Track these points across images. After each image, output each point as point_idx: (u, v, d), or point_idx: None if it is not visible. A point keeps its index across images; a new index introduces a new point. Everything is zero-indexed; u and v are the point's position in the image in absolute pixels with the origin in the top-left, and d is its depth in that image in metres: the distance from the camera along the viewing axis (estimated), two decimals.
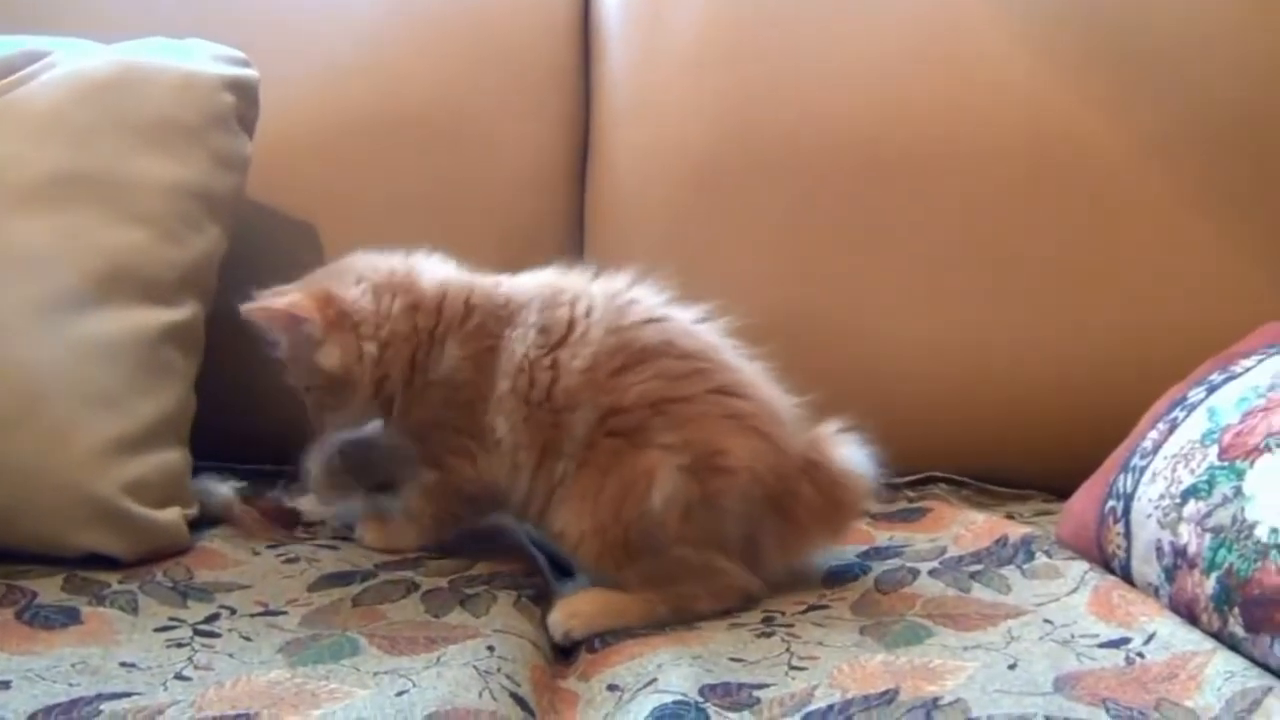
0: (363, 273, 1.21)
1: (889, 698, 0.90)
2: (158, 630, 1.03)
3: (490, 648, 0.98)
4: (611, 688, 0.96)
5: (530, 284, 1.21)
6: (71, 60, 1.32)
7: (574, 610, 1.09)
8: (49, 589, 1.10)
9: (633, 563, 1.09)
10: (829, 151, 1.51)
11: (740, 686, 0.93)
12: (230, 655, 0.98)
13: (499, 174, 1.56)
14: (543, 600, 1.13)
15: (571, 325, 1.15)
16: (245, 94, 1.38)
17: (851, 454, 1.15)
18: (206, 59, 1.37)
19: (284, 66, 1.51)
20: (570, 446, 1.12)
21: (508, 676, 0.93)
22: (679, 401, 1.11)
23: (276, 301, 1.18)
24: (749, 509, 1.10)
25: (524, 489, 1.15)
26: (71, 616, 1.04)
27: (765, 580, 1.12)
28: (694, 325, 1.18)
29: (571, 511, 1.12)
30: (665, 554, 1.09)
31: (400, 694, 0.89)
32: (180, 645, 1.00)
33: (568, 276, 1.21)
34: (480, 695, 0.89)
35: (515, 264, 1.53)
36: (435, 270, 1.24)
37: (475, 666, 0.93)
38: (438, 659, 0.96)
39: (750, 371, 1.16)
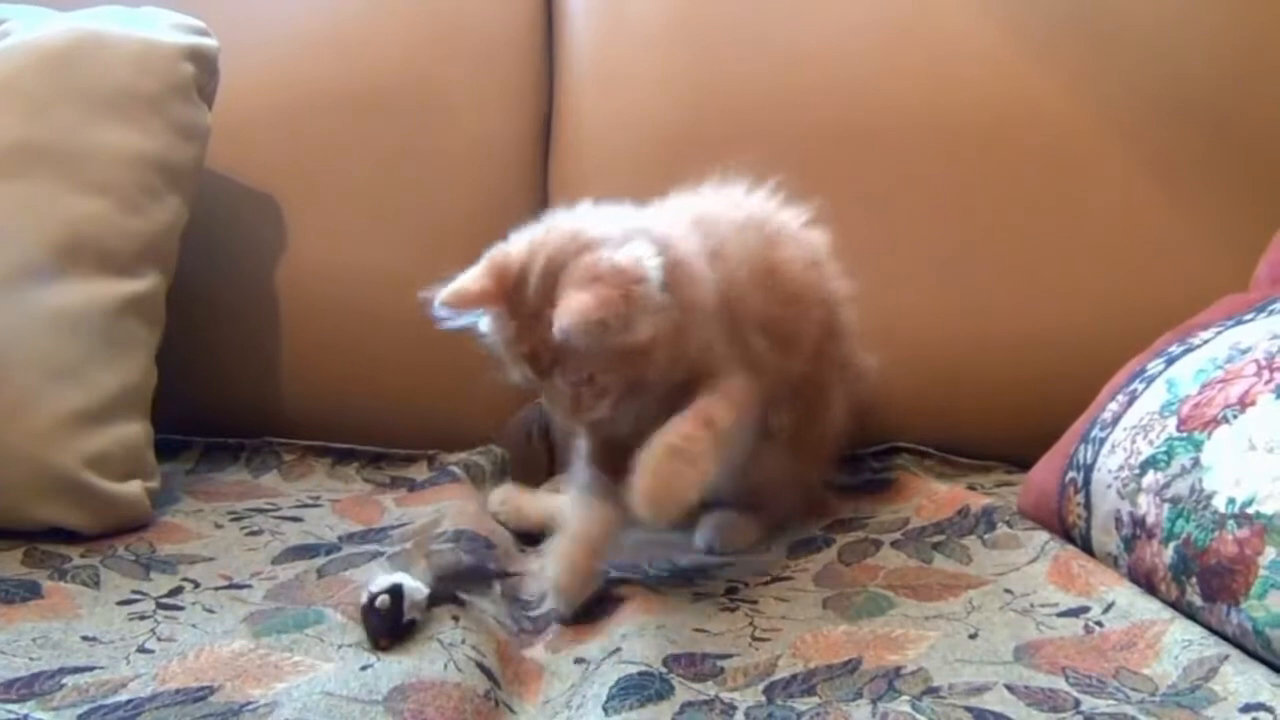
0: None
1: (851, 667, 0.91)
2: (120, 604, 1.03)
3: (455, 618, 0.98)
4: (578, 660, 0.96)
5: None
6: (28, 29, 1.30)
7: (718, 524, 1.20)
8: (8, 563, 1.09)
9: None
10: (793, 125, 1.51)
11: (704, 657, 0.94)
12: (193, 626, 0.98)
13: (462, 147, 1.55)
14: (500, 577, 1.12)
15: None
16: (205, 64, 1.37)
17: None
18: (165, 28, 1.35)
19: (245, 37, 1.50)
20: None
21: (473, 648, 0.93)
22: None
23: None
24: None
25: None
26: (32, 590, 1.04)
27: None
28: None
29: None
30: None
31: (364, 668, 0.89)
32: (143, 618, 1.00)
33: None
34: (445, 667, 0.89)
35: (477, 238, 1.52)
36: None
37: (439, 640, 0.93)
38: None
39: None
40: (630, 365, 1.02)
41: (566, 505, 1.13)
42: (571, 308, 0.96)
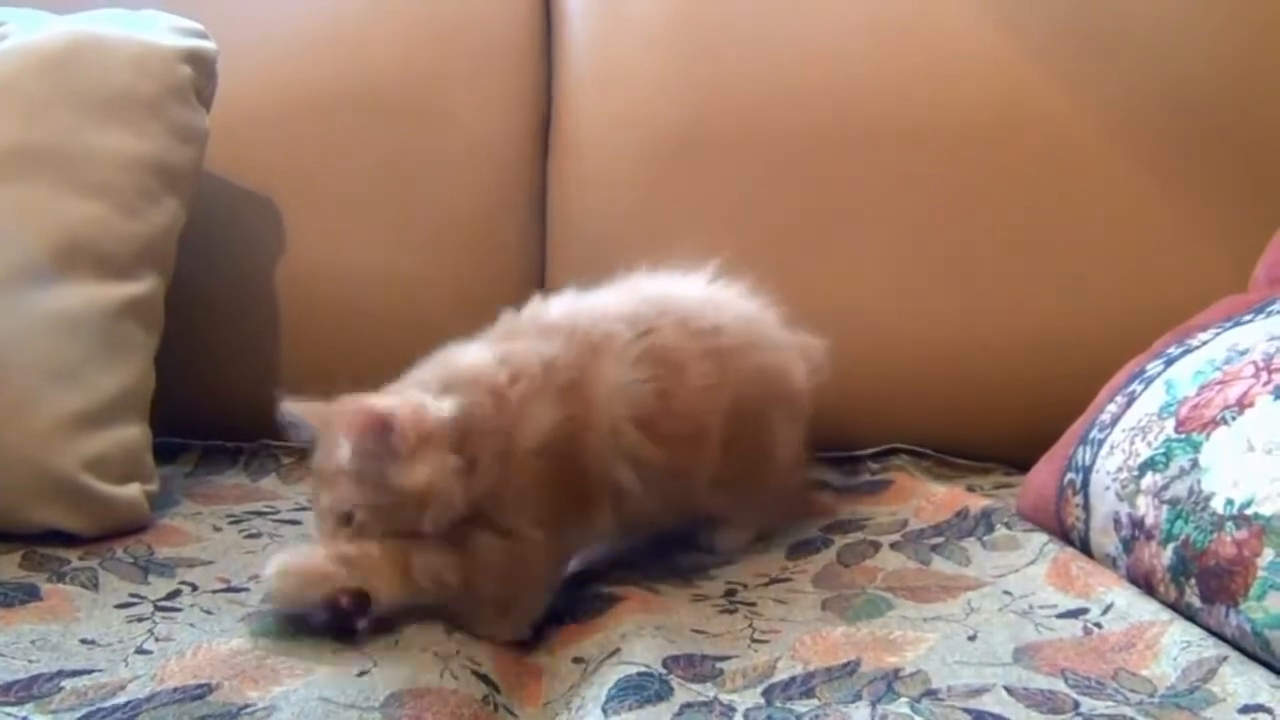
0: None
1: (850, 669, 0.91)
2: (118, 606, 1.03)
3: (448, 631, 0.97)
4: (577, 660, 0.96)
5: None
6: (26, 31, 1.30)
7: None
8: (7, 565, 1.09)
9: None
10: (793, 126, 1.51)
11: (703, 658, 0.94)
12: (191, 625, 0.98)
13: (461, 148, 1.55)
14: None
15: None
16: (203, 66, 1.36)
17: None
18: (163, 30, 1.35)
19: (243, 39, 1.50)
20: None
21: (468, 657, 0.93)
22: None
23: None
24: None
25: None
26: (30, 593, 1.04)
27: None
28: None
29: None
30: None
31: (361, 673, 0.89)
32: (141, 620, 1.00)
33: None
34: (441, 675, 0.89)
35: (476, 238, 1.53)
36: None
37: (434, 651, 0.93)
38: (396, 643, 0.95)
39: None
40: (397, 511, 0.98)
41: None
42: (348, 417, 0.99)
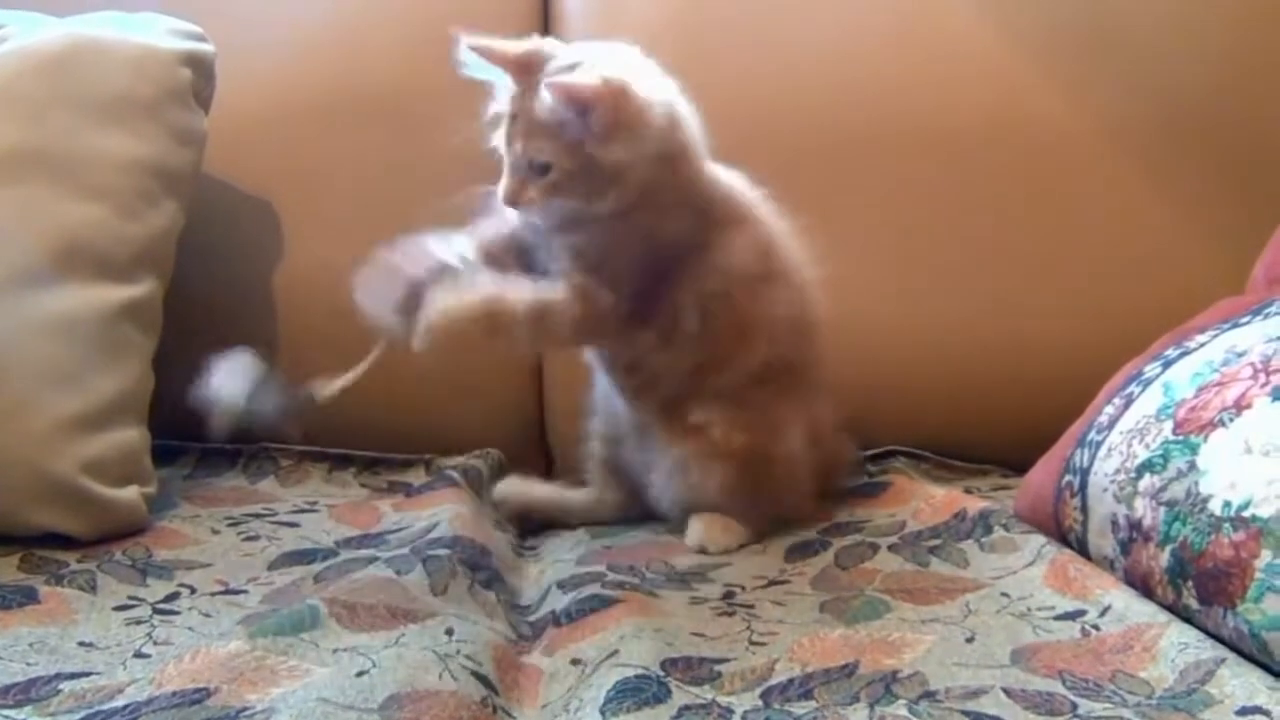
0: None
1: (849, 671, 0.91)
2: (116, 609, 1.03)
3: (449, 631, 0.97)
4: (575, 661, 0.96)
5: None
6: (25, 34, 1.30)
7: (711, 525, 1.23)
8: (5, 568, 1.09)
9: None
10: (792, 131, 1.51)
11: (701, 661, 0.94)
12: (190, 629, 0.98)
13: (457, 155, 1.54)
14: (496, 583, 1.12)
15: None
16: (202, 69, 1.37)
17: None
18: (162, 33, 1.35)
19: (242, 42, 1.50)
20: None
21: (468, 657, 0.93)
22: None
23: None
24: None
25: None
26: (29, 596, 1.04)
27: None
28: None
29: (723, 418, 1.22)
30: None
31: (360, 674, 0.89)
32: (139, 623, 1.00)
33: None
34: (440, 677, 0.89)
35: None
36: None
37: (434, 651, 0.93)
38: (397, 640, 0.95)
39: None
40: (591, 177, 1.14)
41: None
42: (564, 81, 1.11)
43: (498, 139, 1.18)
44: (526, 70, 1.15)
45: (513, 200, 1.17)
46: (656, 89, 1.18)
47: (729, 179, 1.25)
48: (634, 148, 1.14)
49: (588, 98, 1.11)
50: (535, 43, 1.18)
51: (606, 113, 1.11)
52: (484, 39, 1.16)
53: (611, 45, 1.20)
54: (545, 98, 1.11)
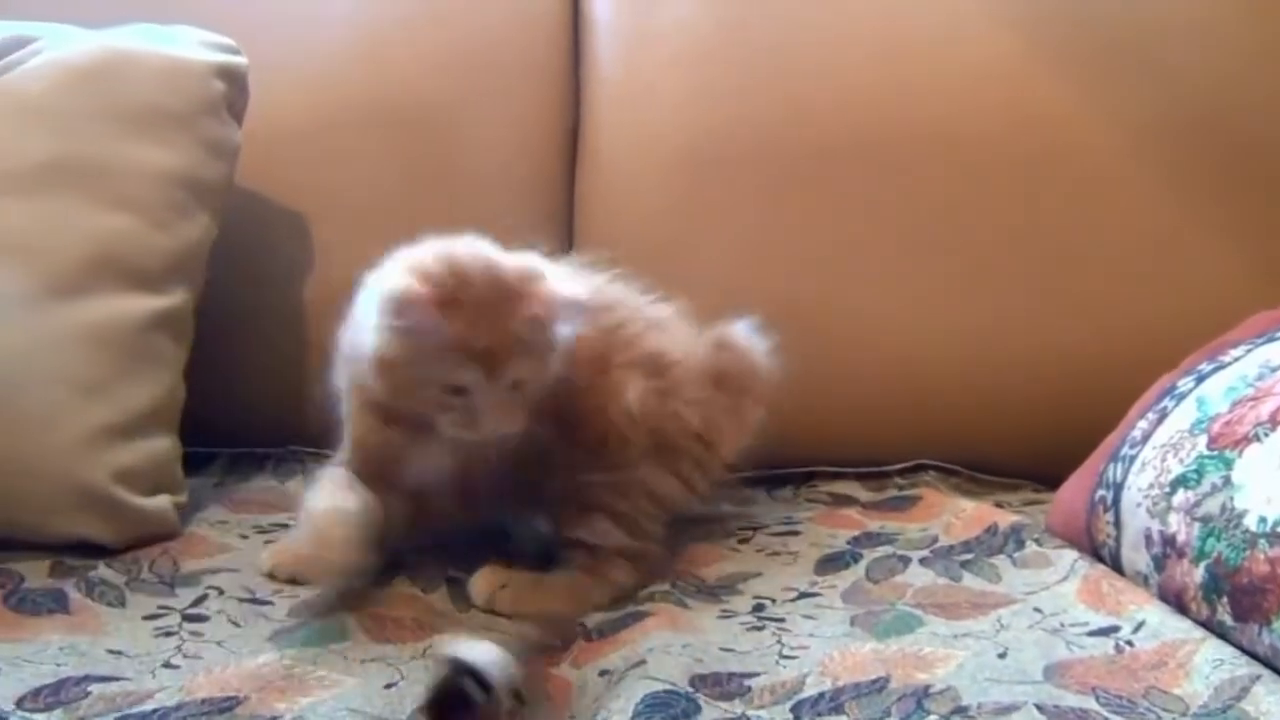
0: None
1: (879, 685, 0.91)
2: (146, 618, 1.03)
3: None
4: (603, 673, 0.96)
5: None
6: (59, 46, 1.31)
7: (501, 581, 1.10)
8: (36, 574, 1.09)
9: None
10: (817, 140, 1.51)
11: (730, 676, 0.93)
12: (219, 643, 0.98)
13: (488, 164, 1.55)
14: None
15: None
16: (234, 81, 1.37)
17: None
18: (195, 45, 1.36)
19: (275, 55, 1.50)
20: None
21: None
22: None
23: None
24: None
25: None
26: (59, 603, 1.04)
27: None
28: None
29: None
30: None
31: (388, 686, 0.89)
32: (169, 634, 1.00)
33: None
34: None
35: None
36: None
37: None
38: (425, 651, 0.95)
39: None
40: (545, 371, 1.05)
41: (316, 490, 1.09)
42: (549, 295, 1.03)
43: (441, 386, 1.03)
44: (446, 300, 1.01)
45: (502, 428, 1.04)
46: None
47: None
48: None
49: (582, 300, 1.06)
50: (415, 262, 1.04)
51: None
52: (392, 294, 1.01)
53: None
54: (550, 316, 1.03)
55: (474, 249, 1.06)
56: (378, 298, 1.01)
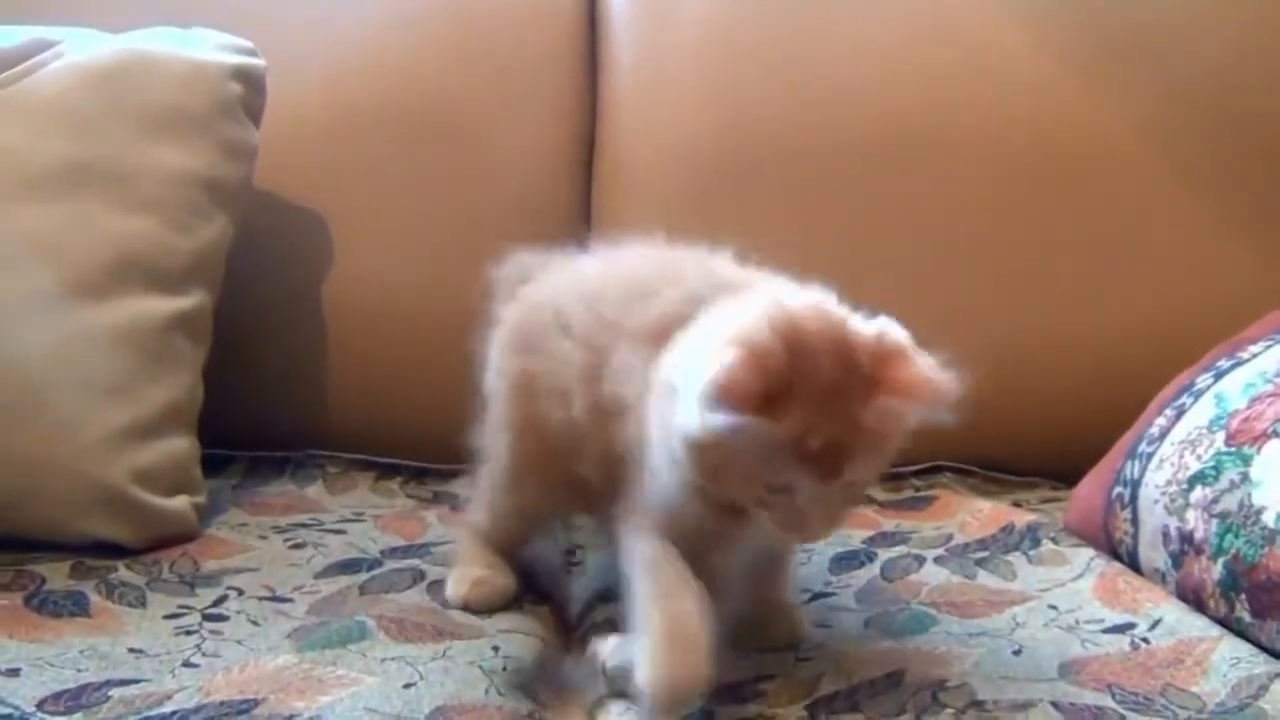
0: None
1: (895, 682, 0.91)
2: (166, 617, 1.04)
3: (495, 648, 0.98)
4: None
5: None
6: (79, 49, 1.32)
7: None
8: (57, 575, 1.10)
9: None
10: (834, 141, 1.51)
11: (745, 680, 0.93)
12: (239, 642, 0.98)
13: (506, 166, 1.56)
14: (548, 600, 1.12)
15: None
16: (252, 83, 1.38)
17: None
18: (213, 48, 1.37)
19: (292, 57, 1.51)
20: None
21: (514, 672, 0.93)
22: None
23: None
24: None
25: None
26: (80, 604, 1.05)
27: None
28: None
29: None
30: None
31: (407, 686, 0.89)
32: (189, 633, 1.00)
33: None
34: (486, 692, 0.89)
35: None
36: None
37: (480, 666, 0.93)
38: (444, 653, 0.96)
39: None
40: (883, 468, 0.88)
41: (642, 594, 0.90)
42: (912, 381, 0.84)
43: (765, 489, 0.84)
44: (780, 394, 0.80)
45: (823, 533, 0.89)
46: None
47: None
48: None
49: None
50: (751, 347, 0.81)
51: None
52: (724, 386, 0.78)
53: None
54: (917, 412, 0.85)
55: (821, 317, 0.85)
56: (698, 376, 0.80)
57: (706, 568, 0.90)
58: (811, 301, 0.87)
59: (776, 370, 0.80)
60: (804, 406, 0.80)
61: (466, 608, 1.06)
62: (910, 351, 0.85)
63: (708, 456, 0.82)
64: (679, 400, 0.83)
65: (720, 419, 0.78)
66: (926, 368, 0.85)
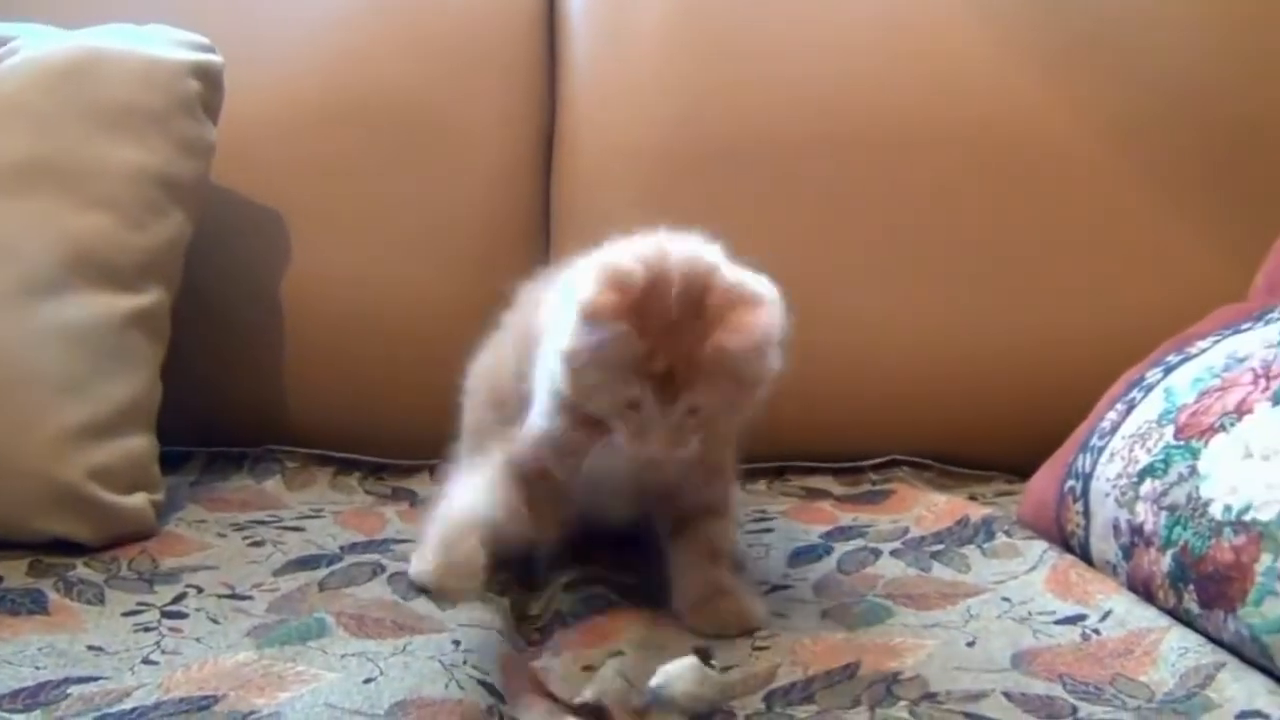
0: None
1: (850, 673, 0.92)
2: (125, 615, 1.03)
3: (455, 642, 0.97)
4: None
5: None
6: (34, 46, 1.31)
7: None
8: (14, 573, 1.10)
9: None
10: (796, 136, 1.52)
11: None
12: (198, 639, 0.98)
13: (464, 164, 1.56)
14: (509, 592, 1.12)
15: None
16: (210, 80, 1.37)
17: None
18: (170, 45, 1.36)
19: (250, 53, 1.50)
20: None
21: (474, 667, 0.93)
22: None
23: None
24: None
25: None
26: (38, 602, 1.05)
27: None
28: None
29: None
30: None
31: (367, 681, 0.90)
32: (148, 630, 1.00)
33: None
34: (446, 686, 0.89)
35: (479, 250, 1.53)
36: None
37: (440, 661, 0.93)
38: (404, 648, 0.96)
39: None
40: (735, 402, 0.98)
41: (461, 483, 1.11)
42: (748, 325, 0.93)
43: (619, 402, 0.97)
44: (635, 311, 0.94)
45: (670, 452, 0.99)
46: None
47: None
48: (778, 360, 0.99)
49: (769, 335, 0.95)
50: (617, 269, 0.95)
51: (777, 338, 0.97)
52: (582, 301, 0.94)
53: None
54: (730, 349, 0.94)
55: (691, 260, 0.97)
56: (573, 296, 0.94)
57: (565, 470, 1.05)
58: (690, 247, 0.99)
59: (633, 292, 0.93)
60: (654, 331, 0.93)
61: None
62: (760, 302, 0.95)
63: (576, 367, 0.95)
64: (558, 320, 0.97)
65: (584, 330, 0.93)
66: (768, 317, 0.94)
